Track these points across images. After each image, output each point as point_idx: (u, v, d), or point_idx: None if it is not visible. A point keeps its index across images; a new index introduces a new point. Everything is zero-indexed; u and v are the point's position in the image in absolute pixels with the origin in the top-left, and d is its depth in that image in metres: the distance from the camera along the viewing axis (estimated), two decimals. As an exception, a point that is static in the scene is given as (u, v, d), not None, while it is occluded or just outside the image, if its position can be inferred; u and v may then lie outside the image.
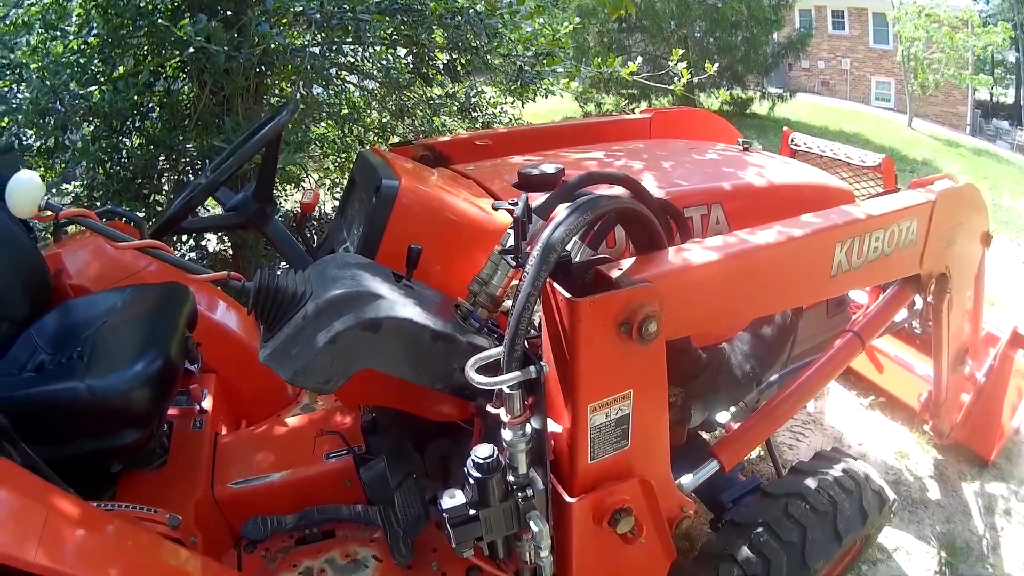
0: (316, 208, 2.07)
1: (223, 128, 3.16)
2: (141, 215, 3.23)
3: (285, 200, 5.84)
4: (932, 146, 13.79)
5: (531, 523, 1.43)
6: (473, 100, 4.65)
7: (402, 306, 1.52)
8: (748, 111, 13.99)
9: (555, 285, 1.32)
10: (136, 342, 2.01)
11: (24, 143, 3.12)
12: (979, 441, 2.87)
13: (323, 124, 4.63)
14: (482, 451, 1.38)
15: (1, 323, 2.06)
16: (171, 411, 2.35)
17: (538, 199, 1.50)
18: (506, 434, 1.38)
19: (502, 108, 4.72)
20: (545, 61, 3.70)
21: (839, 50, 22.13)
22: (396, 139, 4.87)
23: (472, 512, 1.40)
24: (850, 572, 2.29)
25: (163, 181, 3.74)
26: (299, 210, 2.33)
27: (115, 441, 1.90)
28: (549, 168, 1.96)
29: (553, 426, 1.47)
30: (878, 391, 3.29)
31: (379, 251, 1.81)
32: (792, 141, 2.56)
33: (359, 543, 2.06)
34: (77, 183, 3.45)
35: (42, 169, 3.11)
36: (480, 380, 1.29)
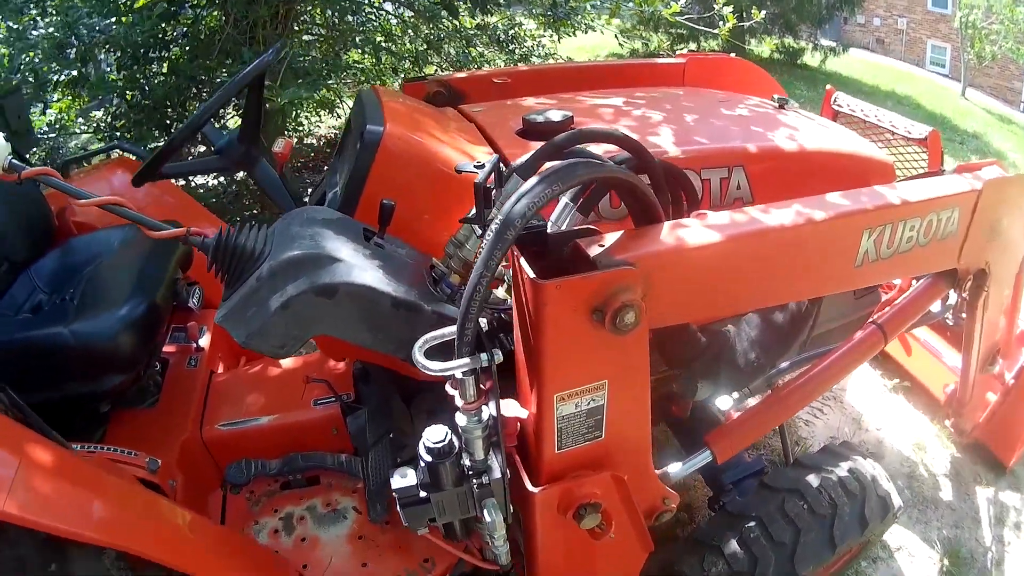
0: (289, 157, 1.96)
1: (245, 59, 3.01)
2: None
3: (318, 126, 5.71)
4: (984, 119, 12.77)
5: (485, 511, 1.31)
6: (511, 33, 4.38)
7: (361, 270, 1.38)
8: (799, 62, 13.17)
9: (522, 261, 1.14)
10: (124, 285, 1.97)
11: (45, 78, 3.05)
12: (1000, 444, 2.62)
13: (357, 52, 4.42)
14: (434, 434, 1.25)
15: (2, 264, 2.02)
16: (168, 348, 2.32)
17: (522, 157, 1.32)
18: (460, 419, 1.23)
19: (539, 42, 4.43)
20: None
21: (896, 8, 20.45)
22: (432, 69, 4.67)
23: (423, 495, 1.29)
24: (849, 568, 2.13)
25: (187, 111, 3.63)
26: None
27: (100, 385, 1.89)
28: (555, 116, 1.78)
29: (520, 411, 1.33)
30: (904, 374, 3.03)
31: (360, 201, 1.66)
32: (835, 101, 2.24)
33: (342, 492, 2.02)
34: (99, 112, 3.40)
35: (68, 99, 3.07)
36: (427, 365, 1.14)
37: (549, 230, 1.25)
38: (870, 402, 3.00)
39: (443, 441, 1.25)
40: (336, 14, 3.75)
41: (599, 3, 3.61)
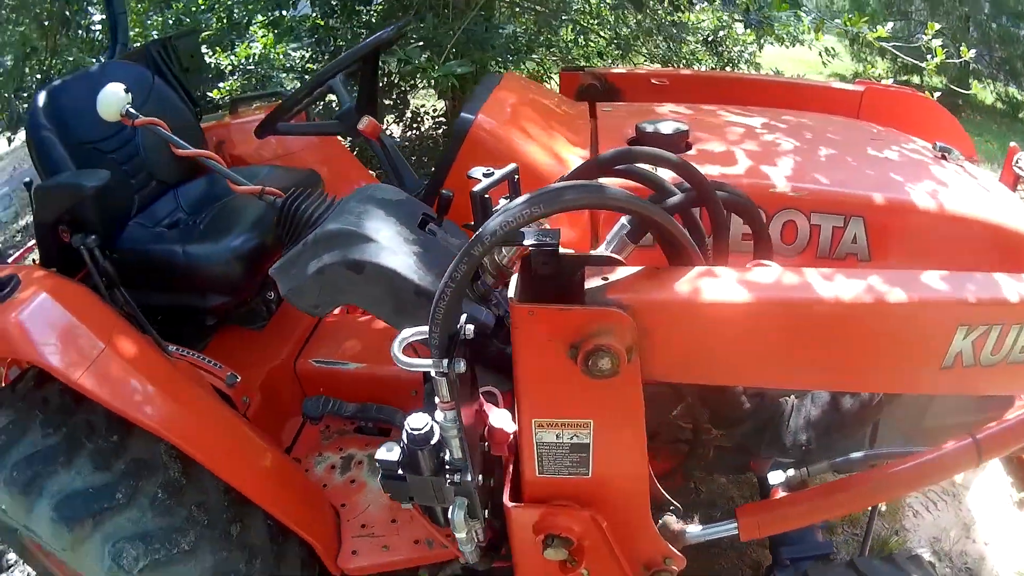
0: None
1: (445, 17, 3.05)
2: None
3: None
4: None
5: (453, 509, 1.28)
6: (721, 35, 4.09)
7: (392, 253, 1.41)
8: (1021, 115, 10.83)
9: (514, 278, 1.06)
10: (245, 220, 2.13)
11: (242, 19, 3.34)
12: None
13: (566, 31, 4.35)
14: (416, 421, 1.24)
15: (150, 181, 2.26)
16: None
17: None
18: (438, 415, 1.20)
19: (747, 49, 4.10)
20: (773, 3, 3.05)
21: None
22: (641, 60, 4.51)
23: (401, 473, 1.29)
24: None
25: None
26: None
27: (204, 302, 2.08)
28: (666, 128, 1.66)
29: (509, 424, 1.27)
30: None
31: (444, 184, 1.67)
32: (1017, 163, 1.79)
33: None
34: (297, 53, 3.66)
35: (271, 35, 3.35)
36: (398, 356, 1.13)
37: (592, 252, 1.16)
38: (989, 510, 2.50)
39: (422, 429, 1.24)
40: None
41: (796, 15, 3.22)
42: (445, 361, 1.07)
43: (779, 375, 1.13)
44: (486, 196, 1.09)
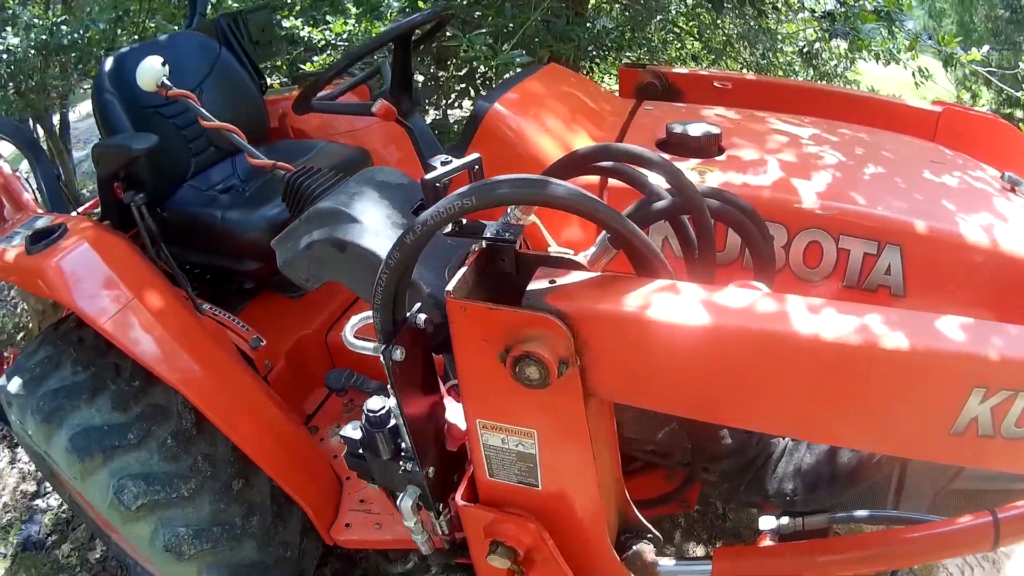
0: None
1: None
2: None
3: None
4: None
5: (402, 496, 1.26)
6: (817, 47, 3.79)
7: (374, 235, 1.40)
8: None
9: (460, 271, 0.99)
10: None
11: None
12: None
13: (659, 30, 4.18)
14: (374, 403, 1.23)
15: (208, 147, 2.34)
16: None
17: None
18: (390, 401, 1.17)
19: (842, 63, 3.78)
20: (859, 16, 2.76)
21: None
22: (738, 67, 4.29)
23: (360, 452, 1.28)
24: None
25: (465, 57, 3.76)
26: None
27: (239, 265, 2.15)
28: (695, 130, 1.55)
29: (461, 420, 1.21)
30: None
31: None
32: None
33: None
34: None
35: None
36: (348, 338, 1.11)
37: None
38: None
39: (378, 411, 1.22)
40: None
41: (892, 32, 2.90)
42: (375, 346, 1.04)
43: (738, 414, 0.97)
44: (439, 184, 1.03)
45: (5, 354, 2.56)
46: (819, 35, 3.66)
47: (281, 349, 2.21)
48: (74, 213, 2.55)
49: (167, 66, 1.74)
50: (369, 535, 1.90)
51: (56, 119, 4.42)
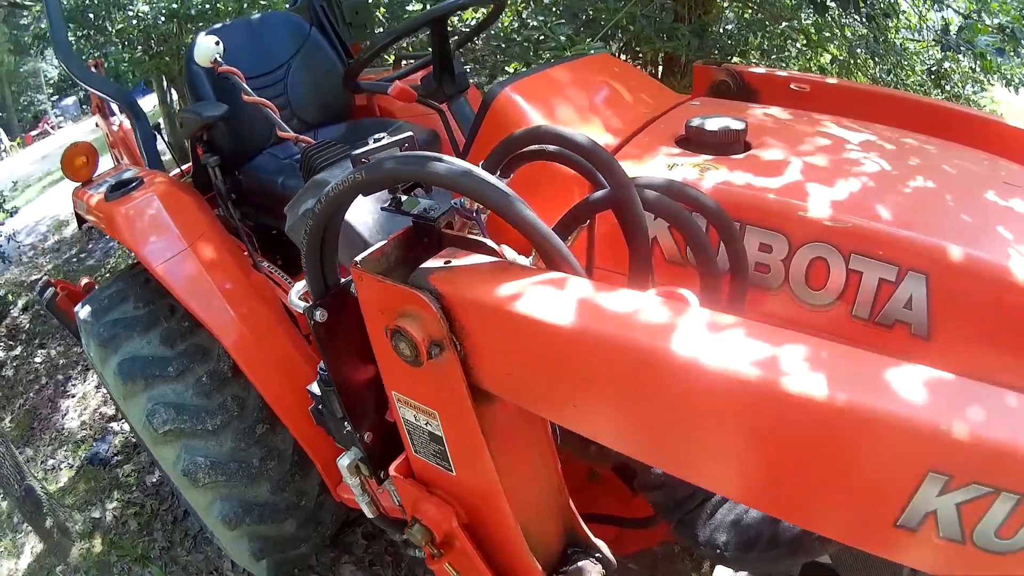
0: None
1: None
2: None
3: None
4: None
5: (344, 455, 1.30)
6: (946, 67, 3.38)
7: (355, 209, 1.40)
8: None
9: (378, 244, 1.03)
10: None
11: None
12: None
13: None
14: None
15: (292, 119, 2.52)
16: None
17: None
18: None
19: (968, 83, 3.34)
20: (974, 28, 2.40)
21: None
22: (863, 79, 3.96)
23: (320, 408, 1.32)
24: None
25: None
26: None
27: None
28: (713, 124, 1.45)
29: None
30: None
31: (471, 150, 1.65)
32: None
33: None
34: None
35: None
36: (292, 299, 1.16)
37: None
38: None
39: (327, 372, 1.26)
40: None
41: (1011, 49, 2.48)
42: (299, 303, 1.10)
43: (607, 434, 0.87)
44: (365, 159, 1.06)
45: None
46: (944, 53, 3.28)
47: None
48: (176, 170, 2.89)
49: (220, 45, 1.92)
50: None
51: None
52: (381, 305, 0.98)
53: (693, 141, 1.48)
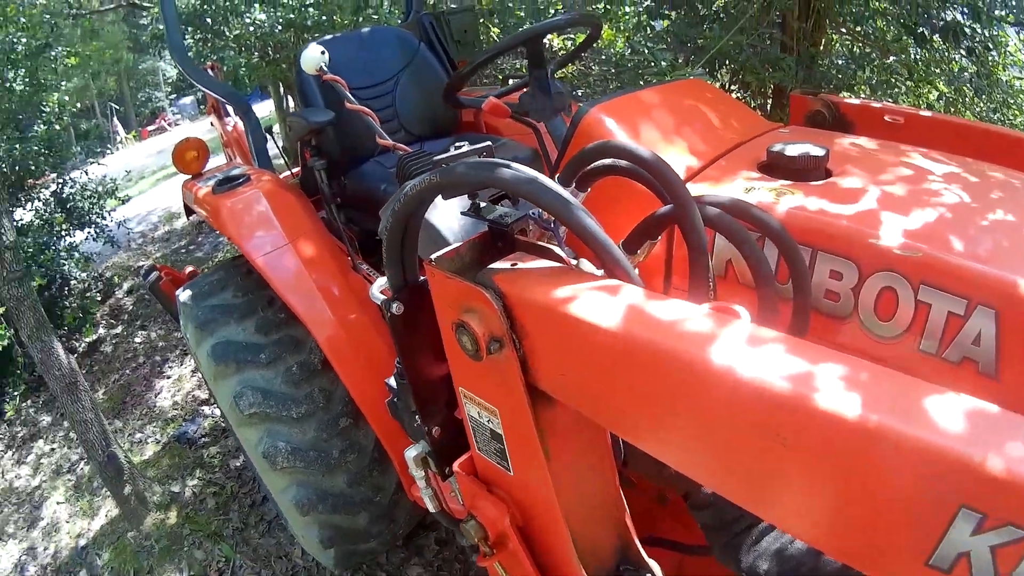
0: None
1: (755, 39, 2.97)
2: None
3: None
4: None
5: (412, 447, 1.39)
6: None
7: (442, 214, 1.57)
8: None
9: (459, 244, 1.12)
10: None
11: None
12: None
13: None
14: None
15: (400, 130, 2.68)
16: None
17: None
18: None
19: None
20: None
21: None
22: (968, 114, 3.82)
23: (395, 400, 1.42)
24: None
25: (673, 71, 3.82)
26: None
27: None
28: (793, 151, 1.48)
29: None
30: None
31: (559, 169, 1.73)
32: None
33: None
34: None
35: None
36: (374, 292, 1.28)
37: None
38: None
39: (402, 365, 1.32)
40: (872, 23, 3.42)
41: None
42: (378, 294, 1.20)
43: (652, 443, 0.89)
44: (444, 166, 1.16)
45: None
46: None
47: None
48: (287, 173, 3.11)
49: (326, 55, 2.09)
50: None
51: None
52: (449, 300, 1.07)
53: (773, 166, 1.51)
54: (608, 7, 3.77)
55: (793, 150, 1.47)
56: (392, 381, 1.44)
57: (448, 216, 1.53)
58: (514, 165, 0.99)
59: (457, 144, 1.21)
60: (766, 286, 1.21)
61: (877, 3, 3.61)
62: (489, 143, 1.19)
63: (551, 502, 1.15)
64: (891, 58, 3.69)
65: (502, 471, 1.23)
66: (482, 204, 1.17)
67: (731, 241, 1.20)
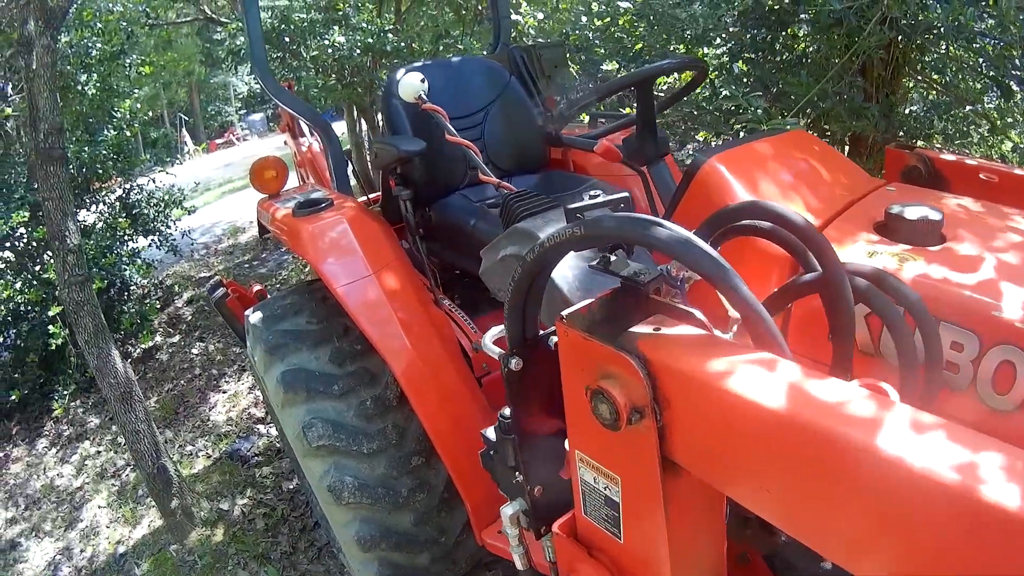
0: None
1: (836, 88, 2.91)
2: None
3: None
4: None
5: (508, 504, 1.34)
6: None
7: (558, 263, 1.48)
8: None
9: (584, 301, 1.08)
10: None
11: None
12: None
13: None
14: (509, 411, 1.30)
15: (488, 164, 2.60)
16: None
17: None
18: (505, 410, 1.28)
19: None
20: None
21: None
22: None
23: (491, 453, 1.37)
24: None
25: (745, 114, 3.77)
26: None
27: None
28: (912, 213, 1.47)
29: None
30: None
31: (672, 217, 1.70)
32: None
33: None
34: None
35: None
36: (487, 343, 1.24)
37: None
38: None
39: (508, 419, 1.28)
40: (949, 72, 3.35)
41: None
42: (503, 354, 1.15)
43: (806, 533, 0.85)
44: (579, 214, 1.12)
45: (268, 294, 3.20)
46: None
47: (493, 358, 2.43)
48: (363, 198, 3.12)
49: (426, 83, 2.08)
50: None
51: (380, 116, 5.38)
52: (583, 363, 1.02)
53: (891, 228, 1.49)
54: (690, 48, 3.74)
55: (912, 213, 1.46)
56: (490, 433, 1.39)
57: (561, 266, 1.49)
58: (666, 223, 0.94)
59: (592, 192, 1.17)
60: (912, 366, 1.16)
61: (956, 51, 3.54)
62: (626, 194, 1.15)
63: (662, 570, 1.11)
64: (967, 108, 3.60)
65: (609, 536, 1.18)
66: (612, 258, 1.13)
67: (880, 317, 1.16)
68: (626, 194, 1.16)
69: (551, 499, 1.32)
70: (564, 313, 1.04)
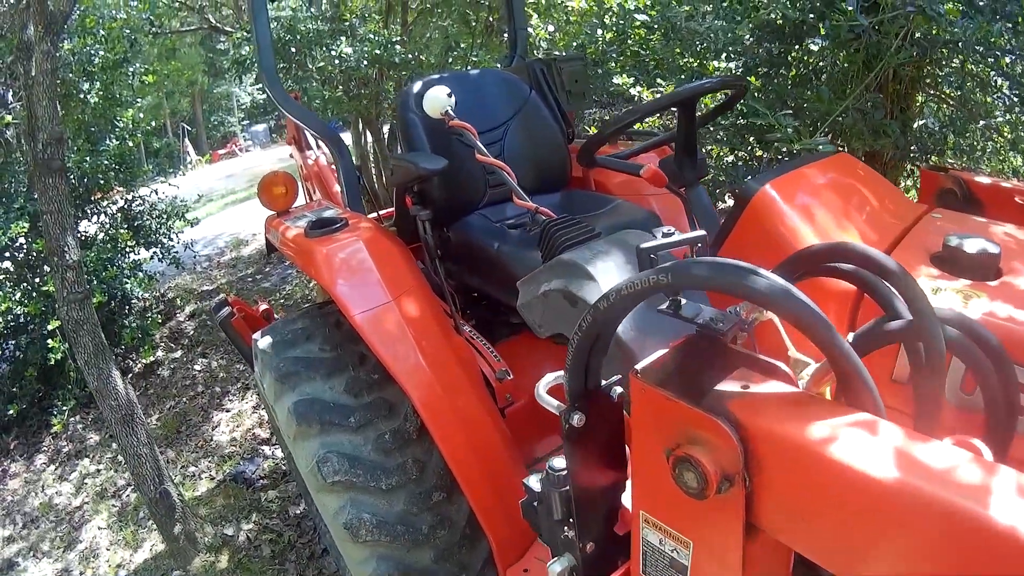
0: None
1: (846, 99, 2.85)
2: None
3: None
4: None
5: (556, 560, 1.23)
6: None
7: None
8: None
9: (656, 353, 0.97)
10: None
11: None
12: None
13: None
14: (559, 462, 1.19)
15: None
16: None
17: None
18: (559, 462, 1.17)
19: None
20: None
21: None
22: None
23: (535, 505, 1.27)
24: None
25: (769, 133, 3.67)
26: None
27: (504, 298, 2.22)
28: (971, 246, 1.39)
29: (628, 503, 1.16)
30: None
31: (724, 245, 1.60)
32: None
33: None
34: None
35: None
36: (541, 393, 1.14)
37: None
38: None
39: (560, 471, 1.18)
40: (966, 87, 3.29)
41: None
42: (564, 409, 1.05)
43: None
44: (654, 255, 1.02)
45: (276, 316, 3.05)
46: None
47: (527, 388, 2.31)
48: (373, 215, 2.99)
49: (453, 97, 1.95)
50: None
51: (385, 128, 5.25)
52: (662, 424, 0.90)
53: (951, 262, 1.42)
54: (703, 62, 3.65)
55: (971, 246, 1.38)
56: (534, 483, 1.29)
57: None
58: (761, 271, 0.84)
59: (666, 231, 1.06)
60: (999, 420, 1.08)
61: (971, 66, 3.48)
62: (703, 233, 1.04)
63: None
64: (981, 123, 3.54)
65: (674, 602, 1.07)
66: (683, 302, 1.01)
67: (971, 368, 1.05)
68: (703, 233, 1.05)
69: (603, 555, 1.22)
70: (638, 367, 0.94)
